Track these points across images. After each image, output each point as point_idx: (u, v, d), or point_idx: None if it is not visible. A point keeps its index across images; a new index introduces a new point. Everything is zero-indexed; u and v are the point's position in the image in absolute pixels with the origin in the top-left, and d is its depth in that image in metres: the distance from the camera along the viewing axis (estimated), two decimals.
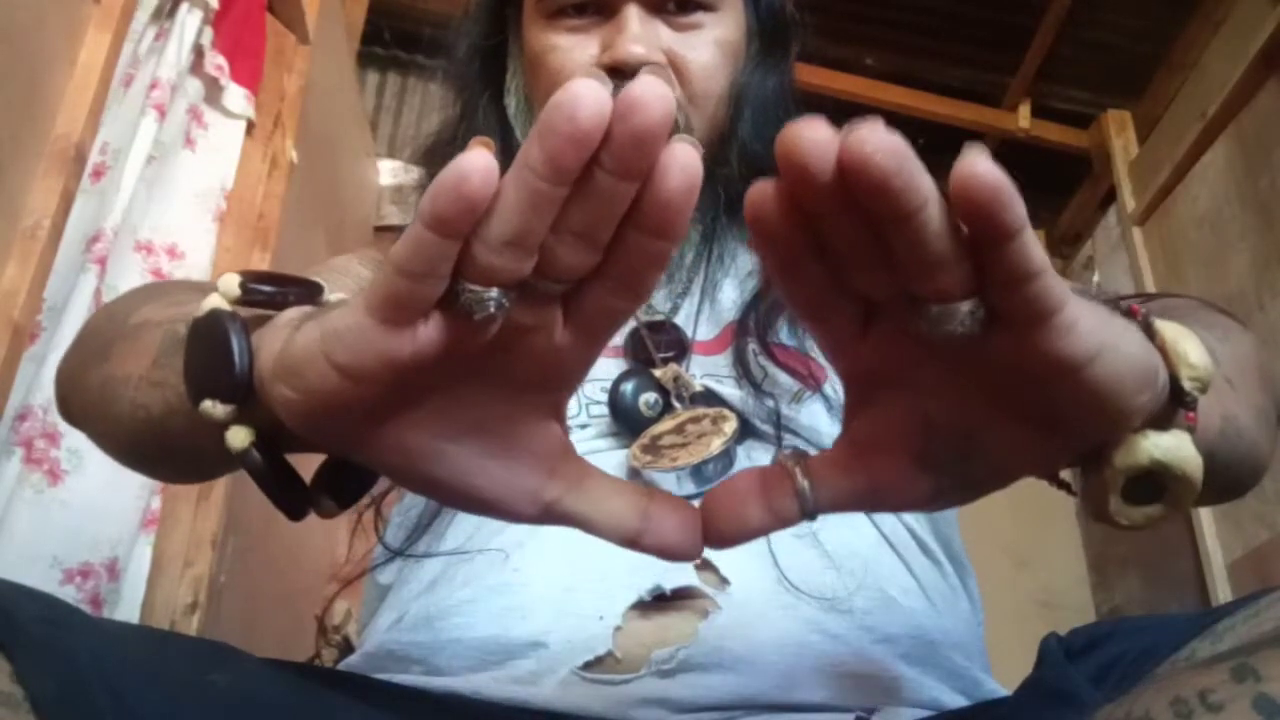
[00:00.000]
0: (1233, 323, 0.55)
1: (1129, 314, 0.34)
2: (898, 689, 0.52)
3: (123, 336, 0.52)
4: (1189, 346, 0.34)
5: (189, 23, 1.38)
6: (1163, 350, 0.34)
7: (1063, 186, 2.71)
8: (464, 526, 0.61)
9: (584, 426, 0.63)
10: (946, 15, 2.41)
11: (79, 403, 0.55)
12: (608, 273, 0.31)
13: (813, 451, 0.61)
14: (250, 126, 1.54)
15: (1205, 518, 2.02)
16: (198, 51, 1.42)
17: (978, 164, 0.27)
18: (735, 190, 0.68)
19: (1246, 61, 1.94)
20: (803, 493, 0.34)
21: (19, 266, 1.08)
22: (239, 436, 0.37)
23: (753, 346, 0.64)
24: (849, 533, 0.58)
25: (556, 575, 0.55)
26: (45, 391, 1.12)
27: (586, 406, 0.64)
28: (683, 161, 0.28)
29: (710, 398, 0.63)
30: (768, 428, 0.62)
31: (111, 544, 1.18)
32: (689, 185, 0.29)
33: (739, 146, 0.69)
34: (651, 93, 0.27)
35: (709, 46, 0.70)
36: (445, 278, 0.29)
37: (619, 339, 0.66)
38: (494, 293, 0.30)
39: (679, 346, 0.65)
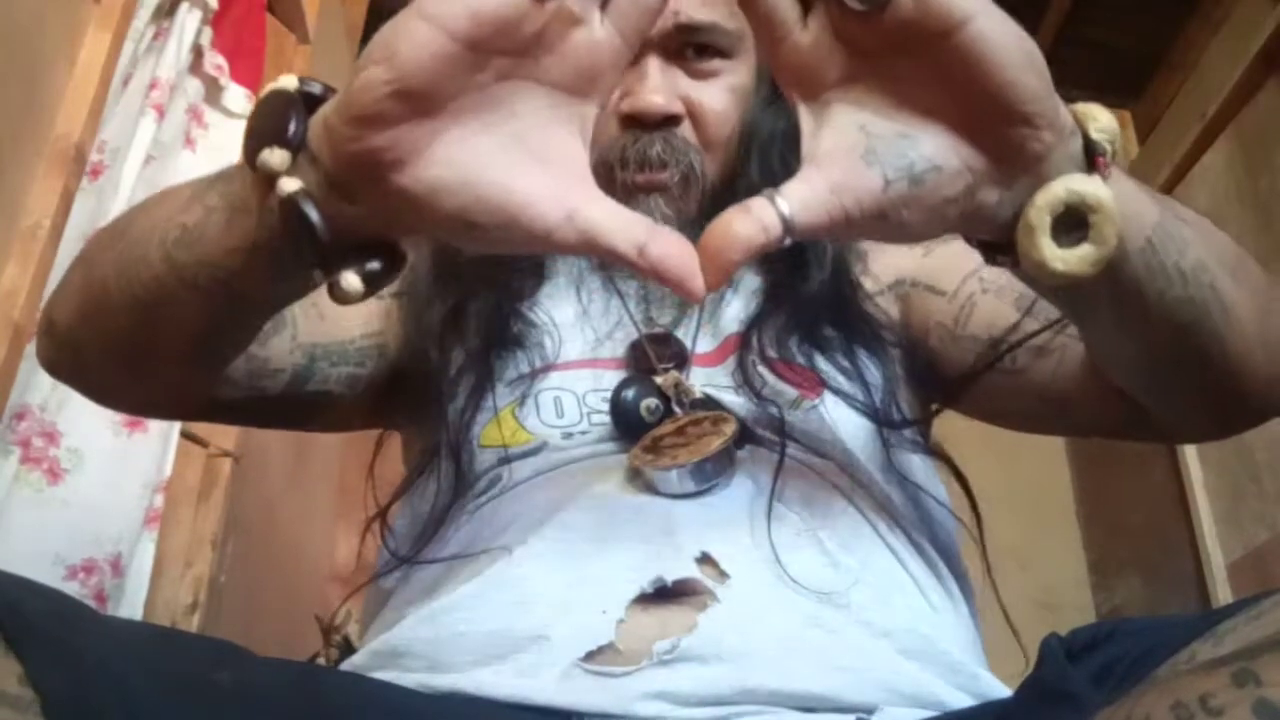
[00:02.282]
0: (1241, 249, 0.53)
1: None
2: (897, 683, 0.52)
3: (142, 211, 0.55)
4: (1097, 111, 0.42)
5: (188, 22, 1.38)
6: (1075, 116, 0.41)
7: None
8: (466, 531, 0.61)
9: (584, 432, 0.64)
10: None
11: (81, 298, 0.56)
12: None
13: (815, 460, 0.62)
14: None
15: (1205, 518, 2.03)
16: (197, 51, 1.42)
17: None
18: None
19: (1246, 61, 1.95)
20: (779, 206, 0.39)
21: (19, 266, 1.08)
22: (291, 182, 0.40)
23: (753, 358, 0.65)
24: (848, 532, 0.58)
25: (559, 571, 0.55)
26: (42, 390, 1.13)
27: (588, 415, 0.64)
28: None
29: (710, 404, 0.63)
30: (768, 433, 0.62)
31: (115, 540, 1.19)
32: None
33: (746, 185, 0.70)
34: None
35: (724, 94, 0.70)
36: None
37: (620, 350, 0.67)
38: None
39: (679, 359, 0.66)
